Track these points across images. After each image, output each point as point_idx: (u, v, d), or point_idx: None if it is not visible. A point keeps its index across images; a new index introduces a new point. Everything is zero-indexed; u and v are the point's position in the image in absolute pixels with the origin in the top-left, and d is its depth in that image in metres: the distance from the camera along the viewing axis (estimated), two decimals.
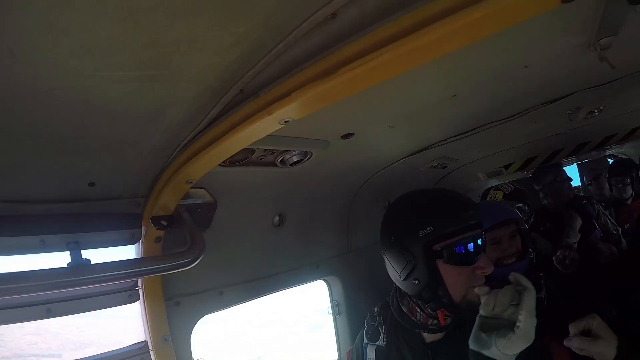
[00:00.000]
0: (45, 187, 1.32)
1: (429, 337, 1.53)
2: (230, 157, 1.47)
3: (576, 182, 6.19)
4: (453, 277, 1.38)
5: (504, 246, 2.22)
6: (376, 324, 1.67)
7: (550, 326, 2.06)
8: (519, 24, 1.10)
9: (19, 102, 0.92)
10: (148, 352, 1.69)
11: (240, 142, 1.20)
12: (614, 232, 3.60)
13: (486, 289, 1.20)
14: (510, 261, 2.19)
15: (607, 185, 4.36)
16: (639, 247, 2.97)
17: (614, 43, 1.35)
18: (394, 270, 1.45)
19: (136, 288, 1.66)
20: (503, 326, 1.12)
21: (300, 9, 0.79)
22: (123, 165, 1.36)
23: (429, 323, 1.47)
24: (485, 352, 1.13)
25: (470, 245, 1.38)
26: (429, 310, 1.45)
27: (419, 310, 1.48)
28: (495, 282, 2.22)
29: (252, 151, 1.53)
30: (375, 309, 1.73)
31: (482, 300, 1.19)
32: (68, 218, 1.42)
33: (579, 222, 3.05)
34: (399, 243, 1.42)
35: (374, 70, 0.85)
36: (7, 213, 1.29)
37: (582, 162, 5.74)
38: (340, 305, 2.60)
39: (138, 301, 1.67)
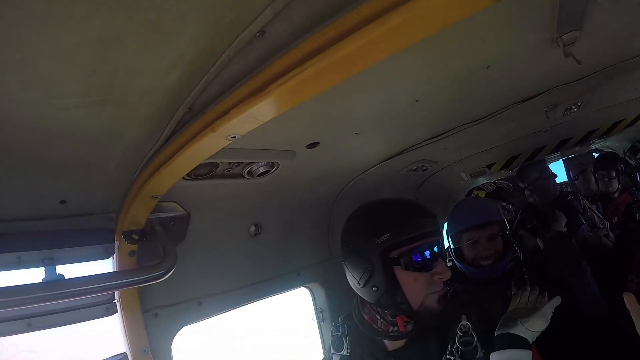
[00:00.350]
0: (17, 206, 1.37)
1: (390, 344, 1.56)
2: (195, 171, 1.51)
3: (562, 177, 6.20)
4: (411, 283, 1.41)
5: (481, 247, 2.24)
6: (340, 334, 1.69)
7: None
8: (474, 23, 1.12)
9: None
10: None
11: (194, 158, 1.24)
12: (601, 226, 3.61)
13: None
14: (487, 262, 2.21)
15: (593, 180, 4.36)
16: (627, 241, 2.98)
17: (581, 38, 1.35)
18: (353, 278, 1.48)
19: (113, 301, 1.69)
20: (526, 314, 1.43)
21: (228, 29, 0.82)
22: (91, 183, 1.40)
23: (390, 330, 1.49)
24: (512, 331, 1.38)
25: (427, 252, 1.42)
26: (388, 317, 1.48)
27: (379, 317, 1.50)
28: (470, 281, 2.27)
29: (216, 165, 1.57)
30: (340, 318, 1.75)
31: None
32: (43, 235, 1.45)
33: (563, 219, 3.07)
34: (356, 251, 1.45)
35: (304, 84, 0.87)
36: None
37: (567, 158, 5.74)
38: (324, 311, 2.60)
39: (116, 314, 1.70)
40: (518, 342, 1.35)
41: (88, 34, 0.75)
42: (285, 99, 0.96)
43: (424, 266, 1.41)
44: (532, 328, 1.38)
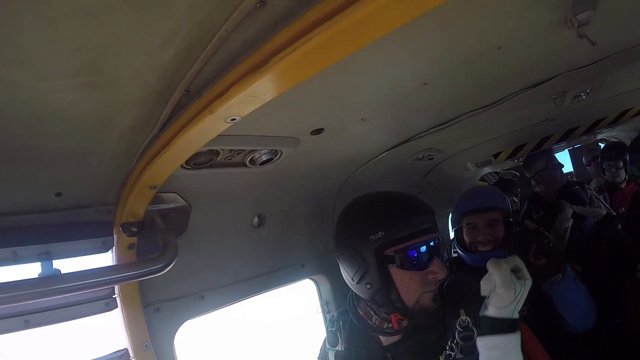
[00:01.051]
0: (12, 199, 1.32)
1: (385, 340, 1.54)
2: (194, 159, 1.46)
3: (568, 167, 6.15)
4: (405, 282, 1.38)
5: (478, 232, 2.25)
6: (334, 329, 1.68)
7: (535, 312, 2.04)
8: (487, 0, 1.08)
9: None
10: (129, 359, 1.68)
11: (193, 144, 1.18)
12: None
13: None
14: (484, 249, 2.21)
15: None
16: (633, 229, 2.94)
17: (594, 19, 1.30)
18: (347, 274, 1.47)
19: (113, 296, 1.65)
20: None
21: (225, 0, 0.76)
22: (87, 174, 1.35)
23: (384, 327, 1.48)
24: (487, 313, 1.21)
25: (423, 250, 1.39)
26: (382, 314, 1.46)
27: (373, 314, 1.49)
28: (468, 267, 2.24)
29: (217, 152, 1.51)
30: (335, 314, 1.75)
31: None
32: (38, 229, 1.42)
33: (569, 210, 3.02)
34: (351, 247, 1.42)
35: (309, 57, 0.80)
36: None
37: (573, 148, 5.70)
38: (330, 303, 2.57)
39: (116, 309, 1.66)
40: (501, 326, 1.18)
41: (75, 4, 0.69)
42: (288, 75, 0.89)
43: (419, 265, 1.39)
44: (498, 304, 1.18)
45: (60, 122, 1.05)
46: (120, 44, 0.81)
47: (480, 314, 1.24)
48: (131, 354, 1.67)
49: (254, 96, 0.93)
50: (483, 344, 1.22)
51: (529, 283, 1.19)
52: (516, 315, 1.19)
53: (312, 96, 1.34)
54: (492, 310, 1.19)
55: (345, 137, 1.89)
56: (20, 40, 0.74)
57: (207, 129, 1.08)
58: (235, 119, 1.06)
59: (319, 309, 2.58)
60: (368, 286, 1.40)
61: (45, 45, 0.77)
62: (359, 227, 1.42)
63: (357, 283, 1.42)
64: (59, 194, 1.38)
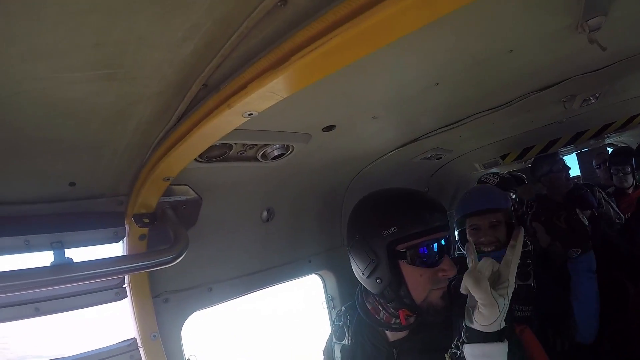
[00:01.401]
0: (26, 188, 1.34)
1: (392, 335, 1.54)
2: (208, 153, 1.47)
3: (575, 171, 6.12)
4: (415, 278, 1.38)
5: (481, 234, 2.25)
6: (342, 323, 1.69)
7: (538, 313, 2.05)
8: (499, 4, 1.08)
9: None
10: (137, 349, 1.70)
11: (208, 138, 1.20)
12: (617, 220, 3.55)
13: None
14: (487, 249, 2.22)
15: None
16: (634, 235, 2.93)
17: (605, 24, 1.30)
18: (357, 268, 1.47)
19: (123, 286, 1.68)
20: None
21: None
22: (101, 165, 1.37)
23: (392, 322, 1.48)
24: (473, 327, 1.18)
25: (434, 248, 1.39)
26: (391, 309, 1.47)
27: (381, 308, 1.49)
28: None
29: (230, 146, 1.52)
30: (342, 308, 1.76)
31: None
32: (51, 218, 1.44)
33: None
34: (362, 241, 1.43)
35: (329, 56, 0.81)
36: None
37: (581, 152, 5.67)
38: (335, 299, 2.59)
39: (126, 299, 1.69)
40: (488, 337, 1.16)
41: (98, 0, 0.71)
42: (307, 73, 0.90)
43: (430, 262, 1.39)
44: (483, 322, 1.14)
45: (76, 114, 1.06)
46: (140, 39, 0.82)
47: (466, 324, 1.20)
48: (139, 344, 1.70)
49: (273, 92, 0.94)
50: (470, 351, 1.20)
51: (511, 290, 1.14)
52: (503, 325, 1.15)
53: (325, 93, 1.35)
54: (477, 326, 1.16)
55: (356, 135, 1.90)
56: (42, 34, 0.76)
57: (224, 123, 1.09)
58: (252, 114, 1.07)
59: (325, 304, 2.60)
60: (378, 281, 1.40)
61: (64, 39, 0.78)
62: (372, 222, 1.43)
63: (367, 277, 1.43)
64: (72, 184, 1.40)
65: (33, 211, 1.40)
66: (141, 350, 1.70)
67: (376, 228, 1.39)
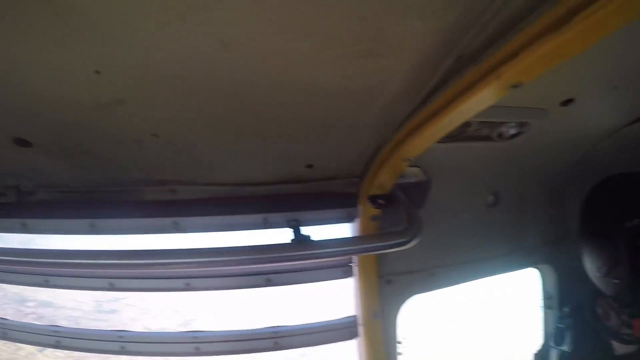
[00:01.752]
0: (264, 170, 1.47)
1: (620, 347, 1.34)
2: None
3: None
4: None
5: None
6: (564, 327, 1.54)
7: None
8: None
9: (248, 95, 1.02)
10: (357, 326, 1.76)
11: (462, 114, 1.09)
12: None
13: None
14: None
15: None
16: None
17: None
18: (591, 264, 1.33)
19: (350, 264, 1.74)
20: None
21: None
22: (339, 147, 1.41)
23: (622, 332, 1.29)
24: None
25: None
26: (625, 316, 1.27)
27: (614, 314, 1.30)
28: None
29: (469, 124, 1.41)
30: (566, 309, 1.60)
31: None
32: (288, 198, 1.56)
33: None
34: (600, 233, 1.28)
35: (619, 11, 0.68)
36: (231, 194, 1.49)
37: None
38: (553, 298, 2.29)
39: (351, 277, 1.75)
40: None
41: None
42: (592, 33, 0.78)
43: None
44: None
45: (326, 95, 1.08)
46: (407, 8, 0.78)
47: None
48: (359, 321, 1.74)
49: (548, 59, 0.85)
50: None
51: None
52: None
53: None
54: None
55: (593, 108, 1.60)
56: (307, 11, 0.76)
57: (483, 97, 1.00)
58: (517, 86, 0.95)
59: (541, 303, 2.34)
60: (616, 281, 1.24)
61: (330, 14, 0.78)
62: (612, 211, 1.29)
63: (603, 276, 1.29)
64: (309, 166, 1.47)
65: (271, 191, 1.53)
66: (360, 328, 1.74)
67: (617, 218, 1.25)
